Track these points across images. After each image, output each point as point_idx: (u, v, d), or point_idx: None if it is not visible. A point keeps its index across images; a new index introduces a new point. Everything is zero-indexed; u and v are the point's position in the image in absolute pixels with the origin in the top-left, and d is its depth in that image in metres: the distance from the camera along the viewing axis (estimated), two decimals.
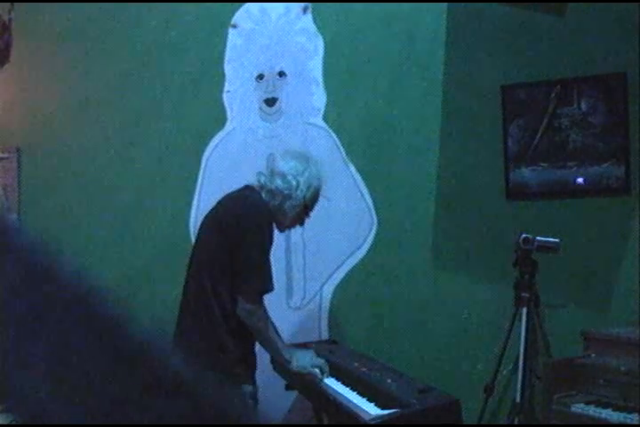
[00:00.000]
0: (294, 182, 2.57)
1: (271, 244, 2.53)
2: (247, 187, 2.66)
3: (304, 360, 2.59)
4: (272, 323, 2.56)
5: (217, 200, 2.72)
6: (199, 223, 2.73)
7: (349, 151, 3.60)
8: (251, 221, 2.49)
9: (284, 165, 2.63)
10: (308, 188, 2.60)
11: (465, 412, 2.30)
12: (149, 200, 4.06)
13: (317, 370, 2.58)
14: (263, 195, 2.59)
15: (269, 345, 2.56)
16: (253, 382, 2.55)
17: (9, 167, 4.48)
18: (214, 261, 2.51)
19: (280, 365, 2.82)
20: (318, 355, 2.69)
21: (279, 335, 2.62)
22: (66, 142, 4.33)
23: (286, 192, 2.57)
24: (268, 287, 2.50)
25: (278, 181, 2.58)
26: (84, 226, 4.22)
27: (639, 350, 2.38)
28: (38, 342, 0.46)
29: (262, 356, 2.70)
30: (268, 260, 2.50)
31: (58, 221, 4.25)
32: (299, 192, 2.58)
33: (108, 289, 0.49)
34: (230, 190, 2.72)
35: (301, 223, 2.74)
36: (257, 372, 2.59)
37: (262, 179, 2.62)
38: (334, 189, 3.50)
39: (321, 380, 2.56)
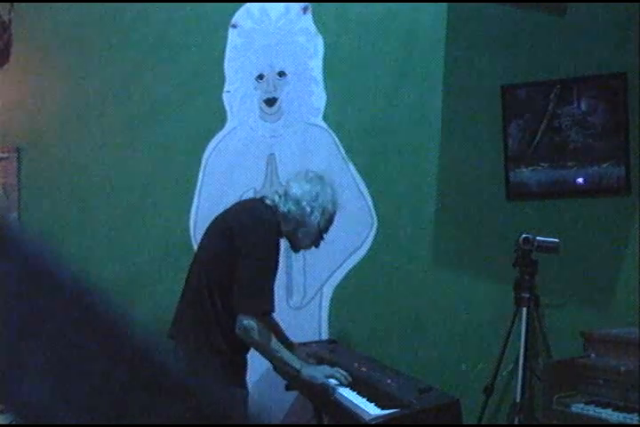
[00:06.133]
0: (308, 209, 2.51)
1: (277, 264, 2.47)
2: (262, 201, 2.60)
3: (316, 369, 2.51)
4: (278, 325, 2.48)
5: (229, 204, 2.66)
6: (207, 225, 2.67)
7: (349, 151, 3.60)
8: (258, 238, 2.43)
9: (298, 190, 2.54)
10: (322, 213, 2.53)
11: (465, 412, 2.30)
12: (149, 200, 4.05)
13: (335, 379, 2.47)
14: (277, 217, 2.52)
15: (274, 358, 2.47)
16: (244, 386, 2.49)
17: (9, 167, 4.47)
18: (214, 265, 2.47)
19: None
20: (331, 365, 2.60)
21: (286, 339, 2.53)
22: (66, 142, 4.32)
23: (299, 218, 2.51)
24: (267, 308, 2.42)
25: (291, 206, 2.51)
26: (84, 226, 4.21)
27: (639, 350, 2.38)
28: (38, 342, 0.46)
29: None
30: (269, 279, 2.43)
31: (58, 221, 4.25)
32: (312, 218, 2.52)
33: (107, 289, 0.49)
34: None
35: (317, 245, 2.68)
36: (257, 372, 2.57)
37: (277, 199, 2.56)
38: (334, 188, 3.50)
39: (334, 390, 2.44)
